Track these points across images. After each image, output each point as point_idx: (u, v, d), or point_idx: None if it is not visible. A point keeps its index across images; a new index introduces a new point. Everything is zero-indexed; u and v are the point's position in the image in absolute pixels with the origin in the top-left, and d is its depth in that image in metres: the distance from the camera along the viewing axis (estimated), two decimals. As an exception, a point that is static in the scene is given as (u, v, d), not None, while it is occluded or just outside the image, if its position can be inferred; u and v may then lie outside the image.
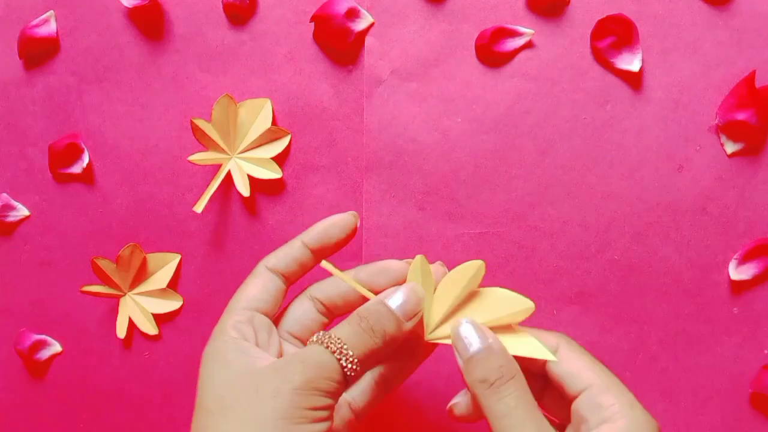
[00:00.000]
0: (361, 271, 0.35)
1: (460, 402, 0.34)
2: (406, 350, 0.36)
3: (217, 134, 0.44)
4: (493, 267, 0.44)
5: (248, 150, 0.45)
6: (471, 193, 0.44)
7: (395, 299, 0.33)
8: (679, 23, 0.42)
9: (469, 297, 0.34)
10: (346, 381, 0.31)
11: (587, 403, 0.31)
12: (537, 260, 0.44)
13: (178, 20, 0.46)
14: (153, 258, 0.47)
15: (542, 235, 0.44)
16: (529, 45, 0.43)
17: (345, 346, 0.31)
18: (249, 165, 0.45)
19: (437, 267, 0.35)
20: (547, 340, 0.33)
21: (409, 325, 0.33)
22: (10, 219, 0.49)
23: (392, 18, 0.44)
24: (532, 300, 0.33)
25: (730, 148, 0.42)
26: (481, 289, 0.34)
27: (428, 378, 0.45)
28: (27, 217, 0.49)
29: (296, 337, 0.36)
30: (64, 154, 0.47)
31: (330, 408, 0.30)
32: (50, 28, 0.47)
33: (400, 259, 0.36)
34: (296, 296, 0.37)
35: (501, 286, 0.34)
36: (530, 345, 0.33)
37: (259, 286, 0.35)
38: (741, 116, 0.41)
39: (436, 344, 0.36)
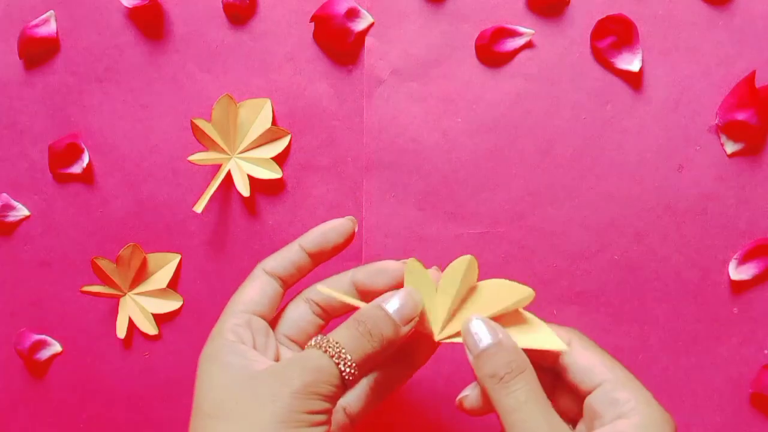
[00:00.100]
0: (359, 272, 0.36)
1: (470, 395, 0.33)
2: (402, 356, 0.36)
3: (217, 134, 0.44)
4: (493, 267, 0.44)
5: (248, 150, 0.45)
6: (471, 193, 0.44)
7: (392, 304, 0.33)
8: (679, 23, 0.42)
9: (470, 292, 0.34)
10: (344, 385, 0.31)
11: (602, 399, 0.31)
12: (537, 260, 0.44)
13: (178, 20, 0.46)
14: (153, 258, 0.47)
15: (542, 235, 0.44)
16: (529, 45, 0.43)
17: (343, 351, 0.31)
18: (249, 165, 0.45)
19: (433, 272, 0.35)
20: (558, 336, 0.33)
21: (406, 329, 0.33)
22: (10, 219, 0.49)
23: (392, 18, 0.44)
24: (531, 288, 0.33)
25: (730, 148, 0.42)
26: (480, 283, 0.34)
27: (428, 377, 0.45)
28: (27, 217, 0.49)
29: (292, 340, 0.36)
30: (64, 154, 0.47)
31: (328, 412, 0.31)
32: (50, 28, 0.47)
33: (399, 259, 0.36)
34: (292, 299, 0.37)
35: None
36: (543, 335, 0.33)
37: (257, 289, 0.35)
38: (741, 116, 0.41)
39: (433, 351, 0.36)
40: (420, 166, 0.44)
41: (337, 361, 0.31)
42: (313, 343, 0.32)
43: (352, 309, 0.36)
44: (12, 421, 0.50)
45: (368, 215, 0.45)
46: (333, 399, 0.31)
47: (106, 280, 0.47)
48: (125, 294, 0.47)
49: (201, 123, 0.43)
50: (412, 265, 0.34)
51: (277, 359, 0.34)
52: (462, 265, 0.33)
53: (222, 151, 0.45)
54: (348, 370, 0.31)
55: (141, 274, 0.47)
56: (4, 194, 0.49)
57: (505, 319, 0.33)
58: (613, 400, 0.31)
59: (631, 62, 0.42)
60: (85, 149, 0.47)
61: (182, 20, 0.46)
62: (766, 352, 0.43)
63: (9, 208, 0.49)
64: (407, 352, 0.36)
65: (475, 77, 0.44)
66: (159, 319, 0.48)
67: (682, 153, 0.43)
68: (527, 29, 0.43)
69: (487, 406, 0.33)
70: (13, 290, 0.49)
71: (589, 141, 0.43)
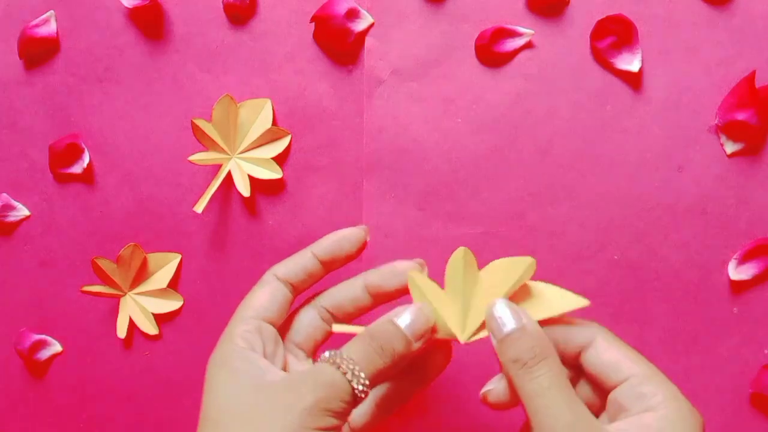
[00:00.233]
0: (372, 274, 0.35)
1: (494, 388, 0.33)
2: (410, 372, 0.35)
3: (217, 134, 0.44)
4: (493, 267, 0.44)
5: (248, 150, 0.45)
6: (471, 193, 0.44)
7: (404, 319, 0.32)
8: (679, 23, 0.42)
9: (475, 283, 0.33)
10: (355, 401, 0.31)
11: (628, 393, 0.31)
12: (537, 260, 0.44)
13: (178, 20, 0.46)
14: (153, 258, 0.47)
15: (542, 235, 0.44)
16: (529, 45, 0.43)
17: (357, 368, 0.31)
18: (249, 165, 0.45)
19: (414, 265, 0.35)
20: (583, 331, 0.33)
21: (417, 345, 0.32)
22: (10, 219, 0.49)
23: (392, 18, 0.44)
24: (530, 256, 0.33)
25: (730, 148, 0.42)
26: (480, 272, 0.34)
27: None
28: (27, 217, 0.49)
29: (300, 347, 0.35)
30: (64, 154, 0.47)
31: (338, 429, 0.30)
32: (50, 28, 0.47)
33: (403, 259, 0.36)
34: (301, 306, 0.37)
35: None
36: (560, 300, 0.32)
37: (267, 294, 0.35)
38: (741, 116, 0.41)
39: (442, 369, 0.36)
40: (420, 166, 0.44)
41: (350, 378, 0.31)
42: (326, 357, 0.32)
43: (363, 314, 0.36)
44: (12, 421, 0.50)
45: (368, 215, 0.45)
46: (343, 416, 0.31)
47: (106, 280, 0.47)
48: (125, 294, 0.47)
49: (201, 123, 0.43)
50: (414, 278, 0.34)
51: (284, 367, 0.34)
52: (459, 260, 0.33)
53: (222, 151, 0.45)
54: (360, 387, 0.31)
55: (141, 274, 0.47)
56: (4, 194, 0.49)
57: (518, 295, 0.33)
58: (640, 395, 0.30)
59: (631, 62, 0.42)
60: (85, 149, 0.47)
61: (182, 20, 0.46)
62: (766, 352, 0.43)
63: (9, 208, 0.49)
64: (417, 368, 0.36)
65: (475, 77, 0.44)
66: (159, 319, 0.48)
67: (682, 153, 0.43)
68: (527, 29, 0.43)
69: (512, 398, 0.32)
70: (13, 290, 0.49)
71: (589, 141, 0.43)
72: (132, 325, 0.48)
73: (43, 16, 0.47)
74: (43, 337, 0.49)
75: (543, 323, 0.32)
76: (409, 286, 0.34)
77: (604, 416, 0.32)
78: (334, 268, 0.36)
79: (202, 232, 0.47)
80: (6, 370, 0.50)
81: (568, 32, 0.43)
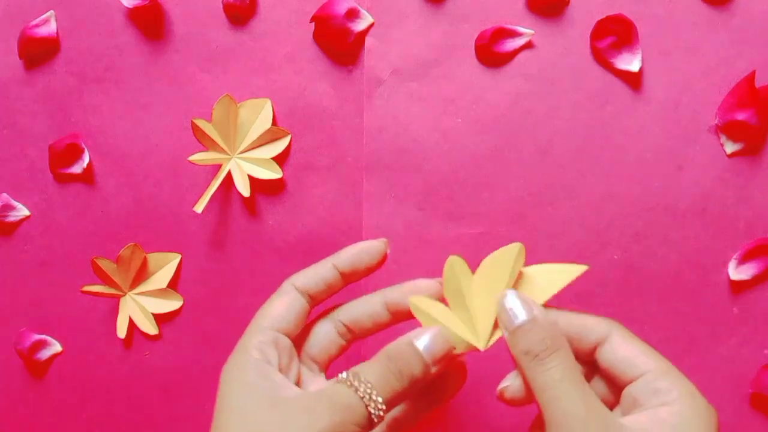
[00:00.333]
0: (391, 291, 0.35)
1: (511, 384, 0.33)
2: (422, 395, 0.35)
3: (217, 134, 0.44)
4: (493, 267, 0.44)
5: (248, 150, 0.45)
6: (471, 193, 0.44)
7: (423, 341, 0.32)
8: (679, 23, 0.42)
9: (473, 286, 0.33)
10: (370, 425, 0.31)
11: (644, 388, 0.30)
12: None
13: (178, 20, 0.46)
14: (153, 258, 0.47)
15: (542, 235, 0.44)
16: (529, 45, 0.43)
17: (374, 392, 0.31)
18: (249, 165, 0.45)
19: (435, 284, 0.34)
20: (598, 327, 0.32)
21: (435, 370, 0.32)
22: (10, 219, 0.49)
23: (392, 18, 0.44)
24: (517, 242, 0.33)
25: (730, 148, 0.42)
26: (474, 276, 0.33)
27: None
28: (27, 217, 0.49)
29: (314, 361, 0.35)
30: (64, 154, 0.47)
31: None
32: (50, 28, 0.47)
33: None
34: (318, 318, 0.36)
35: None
36: (558, 276, 0.32)
37: (285, 304, 0.34)
38: (741, 116, 0.41)
39: (456, 392, 0.35)
40: (420, 166, 0.44)
41: (366, 402, 0.30)
42: (343, 378, 0.31)
43: (384, 328, 0.35)
44: (12, 421, 0.50)
45: (368, 215, 0.45)
46: None
47: (106, 280, 0.47)
48: (125, 294, 0.47)
49: (201, 123, 0.43)
50: (416, 303, 0.33)
51: (298, 381, 0.34)
52: (451, 270, 0.33)
53: (222, 151, 0.45)
54: (376, 412, 0.30)
55: (141, 274, 0.47)
56: (4, 194, 0.49)
57: (519, 284, 0.33)
58: (656, 390, 0.30)
59: (631, 62, 0.42)
60: (85, 149, 0.47)
61: (182, 20, 0.46)
62: (766, 352, 0.43)
63: (9, 208, 0.49)
64: (431, 390, 0.35)
65: (475, 77, 0.44)
66: (159, 319, 0.48)
67: (682, 153, 0.43)
68: (527, 29, 0.43)
69: (529, 395, 0.32)
70: (13, 290, 0.49)
71: (589, 141, 0.43)
72: (132, 325, 0.48)
73: (43, 16, 0.47)
74: (43, 337, 0.49)
75: (550, 305, 0.32)
76: (414, 313, 0.33)
77: (617, 410, 0.32)
78: (353, 281, 0.35)
79: (202, 232, 0.47)
80: (6, 370, 0.50)
81: (568, 32, 0.43)
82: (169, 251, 0.47)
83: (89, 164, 0.47)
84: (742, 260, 0.42)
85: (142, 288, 0.47)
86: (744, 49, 0.42)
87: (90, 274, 0.47)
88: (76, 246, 0.48)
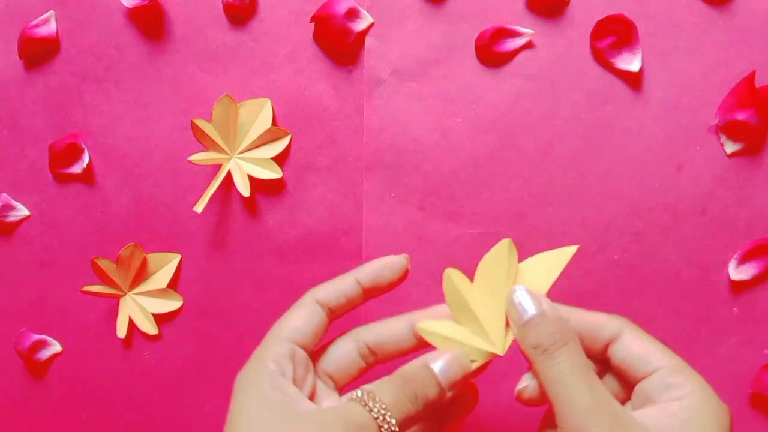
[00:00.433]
0: (419, 316, 0.35)
1: (529, 385, 0.33)
2: (434, 415, 0.35)
3: (217, 134, 0.44)
4: (493, 267, 0.44)
5: (248, 150, 0.45)
6: (471, 193, 0.44)
7: (439, 365, 0.32)
8: (679, 23, 0.42)
9: (474, 293, 0.33)
10: None
11: (656, 384, 0.31)
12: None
13: (178, 20, 0.46)
14: (153, 258, 0.47)
15: (542, 235, 0.44)
16: (529, 45, 0.43)
17: (389, 414, 0.30)
18: (249, 165, 0.45)
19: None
20: (610, 324, 0.32)
21: (450, 394, 0.32)
22: (10, 219, 0.49)
23: (392, 18, 0.44)
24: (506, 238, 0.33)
25: (730, 148, 0.42)
26: (473, 282, 0.33)
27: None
28: (27, 217, 0.49)
29: (330, 377, 0.35)
30: (64, 154, 0.47)
31: None
32: (50, 28, 0.47)
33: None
34: (339, 335, 0.36)
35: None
36: (553, 262, 0.33)
37: (304, 316, 0.34)
38: (741, 116, 0.41)
39: (468, 412, 0.35)
40: (420, 166, 0.44)
41: (380, 423, 0.30)
42: (358, 396, 0.31)
43: (407, 352, 0.35)
44: (12, 421, 0.50)
45: (368, 215, 0.45)
46: None
47: (106, 280, 0.47)
48: (125, 294, 0.47)
49: (201, 123, 0.43)
50: (423, 328, 0.33)
51: (312, 396, 0.33)
52: (452, 283, 0.33)
53: (222, 151, 0.45)
54: None
55: (141, 274, 0.47)
56: (4, 194, 0.49)
57: (519, 280, 0.33)
58: (668, 385, 0.30)
59: (631, 62, 0.42)
60: (85, 149, 0.47)
61: (182, 20, 0.46)
62: (766, 352, 0.43)
63: (9, 208, 0.49)
64: (442, 411, 0.35)
65: (475, 77, 0.44)
66: (159, 319, 0.48)
67: (682, 153, 0.43)
68: (527, 29, 0.43)
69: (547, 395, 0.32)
70: (13, 290, 0.49)
71: (589, 141, 0.43)
72: (132, 325, 0.48)
73: (43, 16, 0.47)
74: (43, 337, 0.49)
75: (562, 302, 0.33)
76: (425, 338, 0.33)
77: (628, 405, 0.32)
78: (374, 296, 0.35)
79: (202, 232, 0.47)
80: (6, 370, 0.50)
81: (568, 32, 0.43)
82: (169, 251, 0.47)
83: (89, 164, 0.47)
84: (742, 260, 0.42)
85: (142, 288, 0.47)
86: (744, 49, 0.42)
87: (90, 274, 0.47)
88: (76, 246, 0.48)
